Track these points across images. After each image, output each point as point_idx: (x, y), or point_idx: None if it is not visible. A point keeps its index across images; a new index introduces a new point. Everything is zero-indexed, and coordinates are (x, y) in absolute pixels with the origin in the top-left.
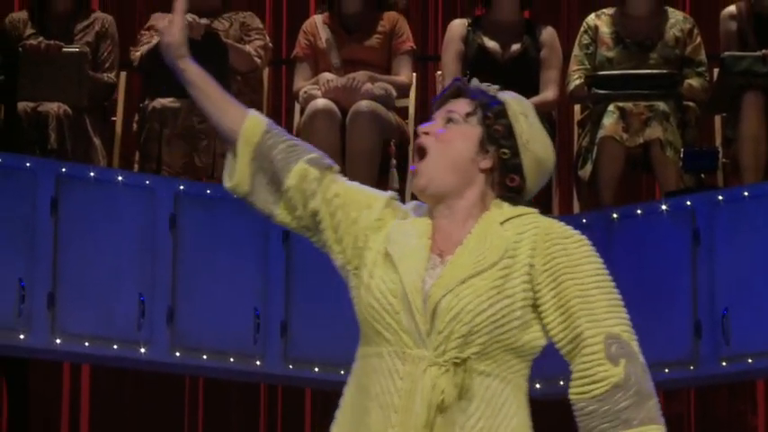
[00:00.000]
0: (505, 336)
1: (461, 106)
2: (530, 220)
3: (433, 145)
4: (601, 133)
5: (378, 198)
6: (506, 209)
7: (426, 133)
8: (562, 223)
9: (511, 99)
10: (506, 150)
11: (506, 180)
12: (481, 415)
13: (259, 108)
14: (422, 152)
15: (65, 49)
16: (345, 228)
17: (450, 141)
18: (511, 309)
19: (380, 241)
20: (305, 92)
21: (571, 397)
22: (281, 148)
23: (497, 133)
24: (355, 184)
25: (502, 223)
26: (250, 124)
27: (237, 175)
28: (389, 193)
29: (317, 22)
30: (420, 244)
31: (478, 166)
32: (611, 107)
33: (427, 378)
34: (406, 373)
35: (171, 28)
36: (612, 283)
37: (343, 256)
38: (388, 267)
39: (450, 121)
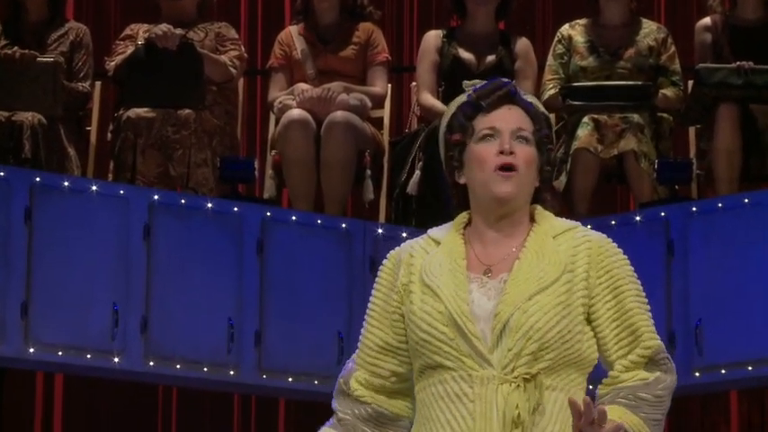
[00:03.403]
0: (571, 351)
1: (524, 122)
2: (580, 235)
3: (520, 165)
4: (575, 145)
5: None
6: (554, 222)
7: (512, 152)
8: (609, 238)
9: (541, 105)
10: (549, 167)
11: (542, 187)
12: (552, 429)
13: (234, 118)
14: (512, 168)
15: (39, 59)
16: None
17: (530, 165)
18: (575, 323)
19: (412, 281)
20: (280, 102)
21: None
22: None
23: (550, 153)
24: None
25: (554, 237)
26: None
27: None
28: (383, 265)
29: (293, 33)
30: (454, 267)
31: (534, 184)
32: (585, 119)
33: (500, 396)
34: (476, 395)
35: None
36: None
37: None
38: (428, 298)
39: (521, 139)
